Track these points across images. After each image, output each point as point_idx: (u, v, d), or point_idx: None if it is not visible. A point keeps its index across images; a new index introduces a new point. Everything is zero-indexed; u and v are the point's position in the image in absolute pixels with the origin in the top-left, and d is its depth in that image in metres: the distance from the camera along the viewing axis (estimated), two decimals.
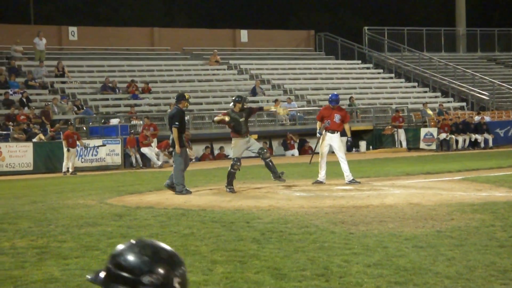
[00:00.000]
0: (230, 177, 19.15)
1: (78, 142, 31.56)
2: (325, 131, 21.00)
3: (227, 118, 19.57)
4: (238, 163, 19.38)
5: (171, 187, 19.00)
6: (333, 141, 21.13)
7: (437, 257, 9.86)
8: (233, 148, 19.59)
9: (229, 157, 19.75)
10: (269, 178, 20.98)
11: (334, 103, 21.23)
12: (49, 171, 31.61)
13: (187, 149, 37.02)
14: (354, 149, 41.75)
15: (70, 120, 34.42)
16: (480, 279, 8.69)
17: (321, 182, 20.81)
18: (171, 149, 19.73)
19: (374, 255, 10.09)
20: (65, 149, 31.08)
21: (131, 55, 48.16)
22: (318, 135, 21.43)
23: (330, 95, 22.23)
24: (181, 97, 19.60)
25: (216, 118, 20.34)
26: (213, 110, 41.10)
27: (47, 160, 32.21)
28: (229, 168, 19.25)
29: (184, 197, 18.29)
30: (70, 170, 30.76)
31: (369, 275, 8.97)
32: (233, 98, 20.52)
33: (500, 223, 12.54)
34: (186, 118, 38.66)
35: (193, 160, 37.75)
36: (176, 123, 18.88)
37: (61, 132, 34.23)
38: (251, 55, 51.55)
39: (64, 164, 31.07)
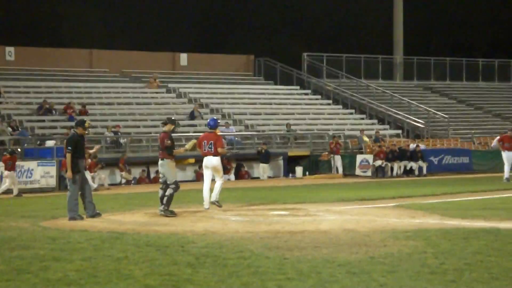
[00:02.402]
0: (171, 201, 19.15)
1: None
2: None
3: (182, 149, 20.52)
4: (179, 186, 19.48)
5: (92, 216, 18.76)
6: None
7: (369, 283, 9.94)
8: (171, 170, 19.44)
9: (168, 181, 19.44)
10: (203, 201, 20.99)
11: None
12: None
13: (124, 172, 36.94)
14: (290, 175, 41.96)
15: (9, 147, 33.73)
16: None
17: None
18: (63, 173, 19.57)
19: (308, 281, 10.14)
20: (6, 173, 30.53)
21: (69, 76, 47.75)
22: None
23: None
24: (79, 123, 19.43)
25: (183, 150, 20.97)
26: (150, 133, 40.92)
27: None
28: (172, 191, 19.12)
29: (118, 220, 18.18)
30: (15, 192, 30.31)
31: None
32: (168, 118, 20.62)
33: (432, 250, 12.70)
34: (123, 140, 38.64)
35: (132, 183, 37.60)
36: (69, 147, 18.56)
37: None
38: (190, 79, 51.56)
39: (3, 187, 30.53)
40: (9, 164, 30.62)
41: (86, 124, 19.38)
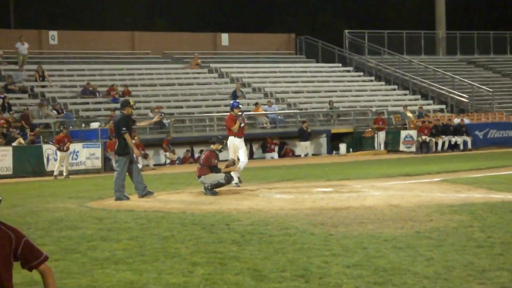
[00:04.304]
0: (218, 187, 19.36)
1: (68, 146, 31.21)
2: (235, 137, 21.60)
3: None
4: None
5: (142, 196, 18.94)
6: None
7: (416, 258, 9.92)
8: (212, 178, 19.43)
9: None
10: (248, 180, 21.17)
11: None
12: (29, 175, 31.45)
13: (168, 153, 37.16)
14: (334, 152, 41.90)
15: (64, 124, 34.00)
16: (458, 279, 8.76)
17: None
18: (113, 156, 19.90)
19: (354, 256, 10.14)
20: (58, 153, 30.83)
21: (112, 59, 48.02)
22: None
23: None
24: (125, 104, 19.68)
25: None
26: (193, 113, 41.11)
27: (27, 164, 32.04)
28: (223, 182, 19.33)
29: (164, 200, 18.33)
30: (64, 173, 30.48)
31: (348, 276, 9.02)
32: (216, 137, 20.88)
33: (478, 223, 12.63)
34: (167, 121, 38.83)
35: (177, 163, 37.86)
36: (123, 128, 18.88)
37: (40, 136, 34.19)
38: (232, 59, 51.54)
39: (56, 167, 30.79)
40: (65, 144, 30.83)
41: (131, 103, 19.66)
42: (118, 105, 39.46)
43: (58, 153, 30.81)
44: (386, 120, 42.44)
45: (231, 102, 23.18)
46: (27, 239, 5.25)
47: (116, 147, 19.58)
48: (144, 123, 24.09)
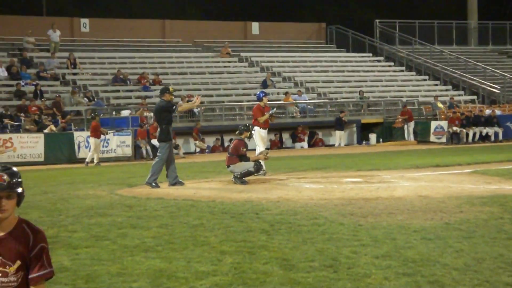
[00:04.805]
0: (248, 175, 19.37)
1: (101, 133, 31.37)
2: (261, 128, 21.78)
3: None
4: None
5: (173, 184, 18.99)
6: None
7: (445, 249, 9.89)
8: (241, 166, 19.43)
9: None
10: (277, 169, 21.13)
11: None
12: (60, 162, 31.70)
13: (198, 141, 37.24)
14: (364, 142, 41.77)
15: (95, 112, 34.14)
16: (488, 271, 8.72)
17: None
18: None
19: (383, 247, 10.13)
20: (92, 140, 31.00)
21: (143, 47, 48.19)
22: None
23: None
24: (164, 90, 19.72)
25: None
26: (223, 102, 41.16)
27: (58, 151, 32.30)
28: (252, 170, 19.35)
29: (193, 188, 18.38)
30: (95, 161, 30.70)
31: (377, 266, 9.01)
32: (244, 126, 20.76)
33: (509, 215, 12.57)
34: (197, 110, 38.91)
35: (206, 151, 37.93)
36: (172, 107, 19.22)
37: (71, 124, 34.46)
38: (262, 48, 51.53)
39: (89, 155, 31.00)
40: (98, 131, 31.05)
41: (171, 89, 19.72)
42: (148, 93, 39.89)
43: (93, 140, 30.94)
44: (412, 112, 42.11)
45: (257, 93, 23.04)
46: (45, 246, 5.05)
47: (158, 134, 19.67)
48: (186, 105, 24.15)
